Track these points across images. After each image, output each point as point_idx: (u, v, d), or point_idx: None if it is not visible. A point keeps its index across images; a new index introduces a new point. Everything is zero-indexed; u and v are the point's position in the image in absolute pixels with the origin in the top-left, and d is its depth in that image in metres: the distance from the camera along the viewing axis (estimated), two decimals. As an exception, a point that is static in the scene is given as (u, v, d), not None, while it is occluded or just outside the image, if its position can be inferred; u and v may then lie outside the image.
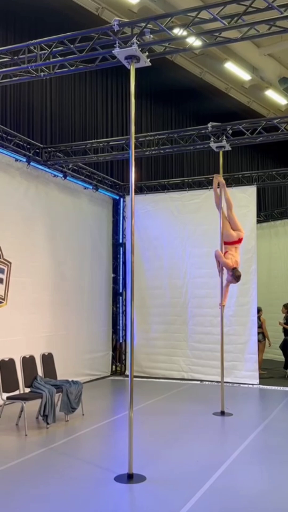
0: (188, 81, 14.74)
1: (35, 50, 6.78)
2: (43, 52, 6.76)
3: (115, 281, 13.07)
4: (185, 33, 6.14)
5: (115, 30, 6.12)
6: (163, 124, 15.08)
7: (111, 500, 5.03)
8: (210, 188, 12.03)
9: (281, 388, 10.85)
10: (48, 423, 7.57)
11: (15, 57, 6.93)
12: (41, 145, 10.44)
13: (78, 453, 6.56)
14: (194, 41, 6.36)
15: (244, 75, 14.83)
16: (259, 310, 12.15)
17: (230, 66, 14.27)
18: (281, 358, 12.97)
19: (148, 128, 14.25)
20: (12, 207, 9.64)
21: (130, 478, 5.48)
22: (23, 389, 7.92)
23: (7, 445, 6.92)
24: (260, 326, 12.11)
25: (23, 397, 7.57)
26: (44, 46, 6.75)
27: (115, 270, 13.09)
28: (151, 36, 6.12)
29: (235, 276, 8.48)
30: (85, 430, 7.59)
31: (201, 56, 14.10)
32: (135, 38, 5.97)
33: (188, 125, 15.28)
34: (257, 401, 10.21)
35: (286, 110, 17.41)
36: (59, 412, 7.87)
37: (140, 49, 5.96)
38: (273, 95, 16.18)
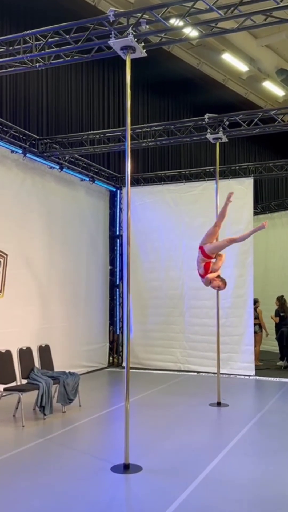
0: (185, 72, 14.68)
1: (30, 41, 6.74)
2: (38, 42, 6.71)
3: (112, 273, 13.08)
4: (181, 23, 6.12)
5: (111, 21, 6.09)
6: (160, 115, 15.03)
7: (108, 490, 5.07)
8: (207, 180, 12.07)
9: (277, 379, 10.91)
10: (45, 414, 7.60)
11: (10, 48, 6.89)
12: (37, 137, 10.40)
13: (75, 444, 6.60)
14: (190, 32, 6.33)
15: (241, 66, 14.76)
16: (256, 302, 12.20)
17: (228, 57, 14.20)
18: (277, 349, 13.05)
19: (145, 119, 14.20)
20: (8, 199, 9.61)
21: (126, 468, 5.51)
22: (20, 381, 7.94)
23: (4, 436, 6.94)
24: (256, 317, 12.16)
25: (20, 389, 7.60)
26: (39, 36, 6.70)
27: (112, 262, 13.10)
28: (147, 26, 6.09)
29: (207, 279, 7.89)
30: (82, 421, 7.63)
31: (198, 47, 14.03)
32: (131, 28, 5.94)
33: (185, 116, 15.23)
34: (253, 392, 10.27)
35: (283, 102, 17.34)
36: (56, 404, 7.90)
37: (136, 39, 5.94)
38: (270, 87, 16.11)
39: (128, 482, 5.27)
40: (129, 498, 5.07)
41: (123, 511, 4.68)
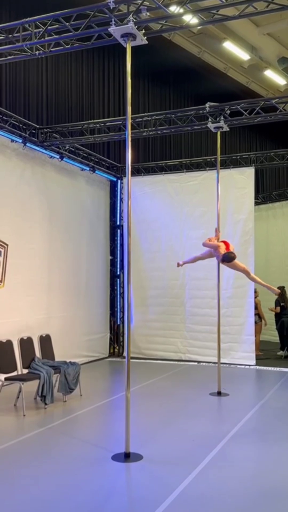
0: (187, 61, 14.57)
1: (30, 28, 6.68)
2: (38, 30, 6.65)
3: (112, 263, 13.07)
4: (181, 10, 6.05)
5: (111, 8, 6.02)
6: (161, 104, 14.95)
7: (108, 479, 5.09)
8: (208, 170, 12.02)
9: (277, 369, 10.94)
10: (46, 404, 7.63)
11: (10, 36, 6.82)
12: (37, 126, 10.34)
13: (76, 433, 6.63)
14: (191, 19, 6.26)
15: (243, 55, 14.66)
16: (254, 292, 12.20)
17: (229, 46, 14.10)
18: (278, 339, 13.07)
19: (145, 108, 14.12)
20: (8, 189, 9.57)
21: (127, 457, 5.53)
22: (21, 370, 7.96)
23: (6, 425, 6.97)
24: (255, 307, 12.18)
25: (21, 378, 7.62)
26: (39, 24, 6.64)
27: (112, 252, 13.08)
28: (148, 13, 6.02)
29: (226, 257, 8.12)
30: (82, 410, 7.66)
31: (199, 35, 13.91)
32: (131, 15, 5.87)
33: (186, 105, 15.13)
34: (253, 381, 10.29)
35: (285, 91, 17.24)
36: (57, 393, 7.93)
37: (136, 26, 5.87)
38: (272, 75, 16.01)
39: (128, 471, 5.30)
40: (130, 486, 5.09)
41: (123, 500, 4.70)
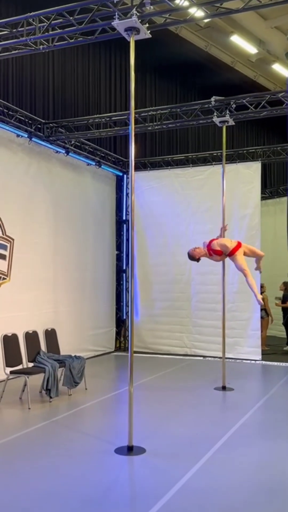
0: (194, 55, 14.48)
1: (34, 23, 6.69)
2: (42, 24, 6.66)
3: (118, 258, 13.09)
4: (186, 3, 6.02)
5: (115, 1, 6.02)
6: (168, 98, 14.89)
7: (111, 471, 5.12)
8: (214, 164, 11.98)
9: (283, 364, 10.91)
10: (51, 397, 7.68)
11: (14, 30, 6.83)
12: (43, 121, 10.36)
13: (80, 426, 6.66)
14: (196, 12, 6.23)
15: (250, 49, 14.54)
16: (261, 287, 12.17)
17: (236, 39, 13.99)
18: (284, 334, 13.04)
19: (152, 103, 14.08)
20: (14, 183, 9.60)
21: (130, 450, 5.56)
22: (26, 364, 8.01)
23: (11, 418, 7.04)
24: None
25: (26, 372, 7.68)
26: (43, 18, 6.66)
27: (118, 247, 13.10)
28: (151, 7, 6.01)
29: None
30: (87, 404, 7.70)
31: (206, 29, 13.82)
32: (134, 9, 5.86)
33: (193, 99, 15.04)
34: (258, 376, 10.28)
35: (293, 85, 17.09)
36: (62, 387, 7.98)
37: (140, 20, 5.85)
38: (280, 69, 15.88)
39: (131, 464, 5.33)
40: (132, 479, 5.12)
41: (126, 492, 4.74)
